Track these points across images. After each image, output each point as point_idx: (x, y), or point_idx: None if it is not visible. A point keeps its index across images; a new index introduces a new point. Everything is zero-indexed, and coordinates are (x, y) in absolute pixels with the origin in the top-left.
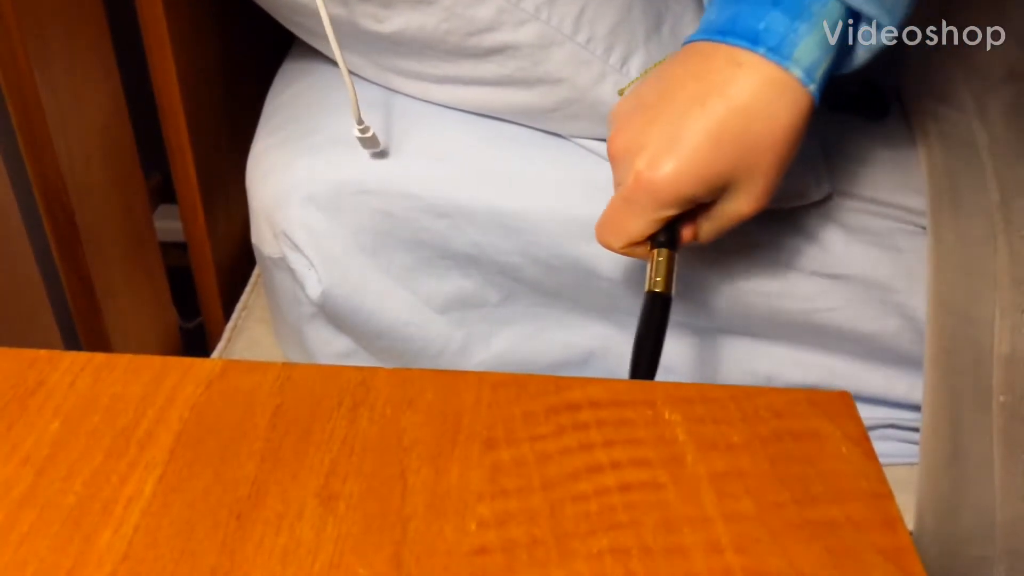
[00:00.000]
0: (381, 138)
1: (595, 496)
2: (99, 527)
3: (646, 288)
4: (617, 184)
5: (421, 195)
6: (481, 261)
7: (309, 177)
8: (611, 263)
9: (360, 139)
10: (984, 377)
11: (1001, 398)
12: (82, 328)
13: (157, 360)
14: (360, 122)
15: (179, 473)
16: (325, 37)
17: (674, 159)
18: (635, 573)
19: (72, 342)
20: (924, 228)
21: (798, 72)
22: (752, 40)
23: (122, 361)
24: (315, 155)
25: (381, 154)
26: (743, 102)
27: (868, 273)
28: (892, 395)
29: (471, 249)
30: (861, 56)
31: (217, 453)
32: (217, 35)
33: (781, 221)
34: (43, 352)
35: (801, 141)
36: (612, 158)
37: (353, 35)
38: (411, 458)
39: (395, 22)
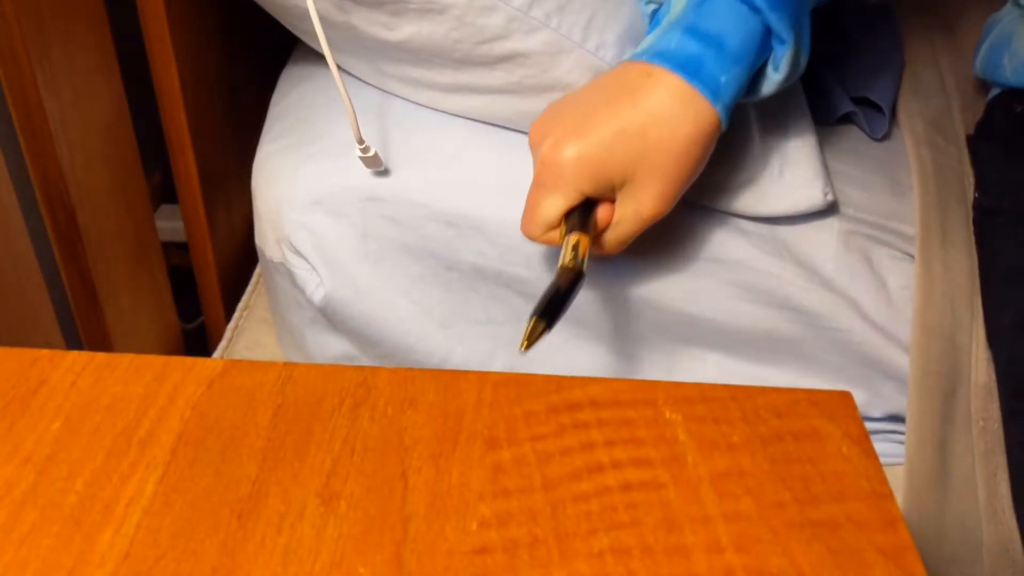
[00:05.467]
0: (389, 148)
1: (596, 496)
2: (100, 526)
3: (559, 264)
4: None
5: (429, 203)
6: (487, 272)
7: (315, 182)
8: (617, 274)
9: (362, 158)
10: (965, 401)
11: (981, 423)
12: (83, 328)
13: (158, 360)
14: (361, 141)
15: (180, 473)
16: (334, 45)
17: (577, 144)
18: (636, 573)
19: (74, 342)
20: (911, 255)
21: (704, 90)
22: (664, 58)
23: (123, 361)
24: (321, 161)
25: (383, 173)
26: (649, 106)
27: (852, 296)
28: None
29: (477, 259)
30: (771, 84)
31: (218, 453)
32: (219, 35)
33: (779, 239)
34: (45, 352)
35: (704, 159)
36: (531, 147)
37: (362, 43)
38: (412, 458)
39: (404, 30)
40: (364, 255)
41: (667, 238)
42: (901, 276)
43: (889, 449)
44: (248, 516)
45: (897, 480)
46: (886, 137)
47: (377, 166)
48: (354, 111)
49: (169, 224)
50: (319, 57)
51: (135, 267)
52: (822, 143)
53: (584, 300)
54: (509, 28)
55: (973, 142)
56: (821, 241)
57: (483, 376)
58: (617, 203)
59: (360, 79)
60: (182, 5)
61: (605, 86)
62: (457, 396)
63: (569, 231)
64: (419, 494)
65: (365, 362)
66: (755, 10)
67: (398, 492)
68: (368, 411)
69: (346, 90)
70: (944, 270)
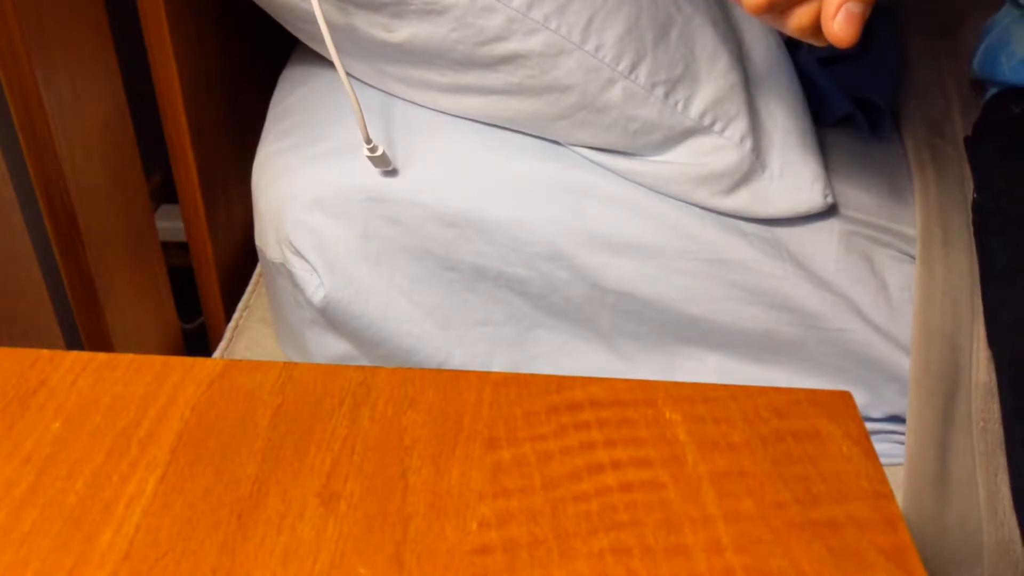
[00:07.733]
0: (390, 149)
1: (596, 496)
2: (100, 526)
3: None
4: None
5: (429, 204)
6: (487, 273)
7: (316, 183)
8: (618, 275)
9: (370, 158)
10: (965, 402)
11: (981, 424)
12: (83, 328)
13: (158, 360)
14: (368, 141)
15: (180, 472)
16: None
17: None
18: (636, 572)
19: (74, 342)
20: (912, 257)
21: None
22: None
23: (123, 361)
24: (323, 162)
25: (392, 172)
26: None
27: (853, 297)
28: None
29: (478, 259)
30: None
31: (218, 453)
32: (219, 35)
33: (779, 240)
34: (45, 352)
35: None
36: None
37: (362, 44)
38: (412, 458)
39: (405, 32)
40: (364, 256)
41: (668, 238)
42: (901, 277)
43: (889, 449)
44: (248, 516)
45: (897, 480)
46: (886, 139)
47: (385, 166)
48: (362, 111)
49: (169, 224)
50: (320, 58)
51: (135, 267)
52: (822, 144)
53: (584, 300)
54: (509, 29)
55: (970, 143)
56: (822, 242)
57: (483, 376)
58: None
59: (361, 80)
60: (182, 5)
61: None
62: (457, 396)
63: None
64: (419, 494)
65: (365, 363)
66: None
67: (398, 492)
68: (368, 411)
69: (354, 91)
70: (945, 271)
